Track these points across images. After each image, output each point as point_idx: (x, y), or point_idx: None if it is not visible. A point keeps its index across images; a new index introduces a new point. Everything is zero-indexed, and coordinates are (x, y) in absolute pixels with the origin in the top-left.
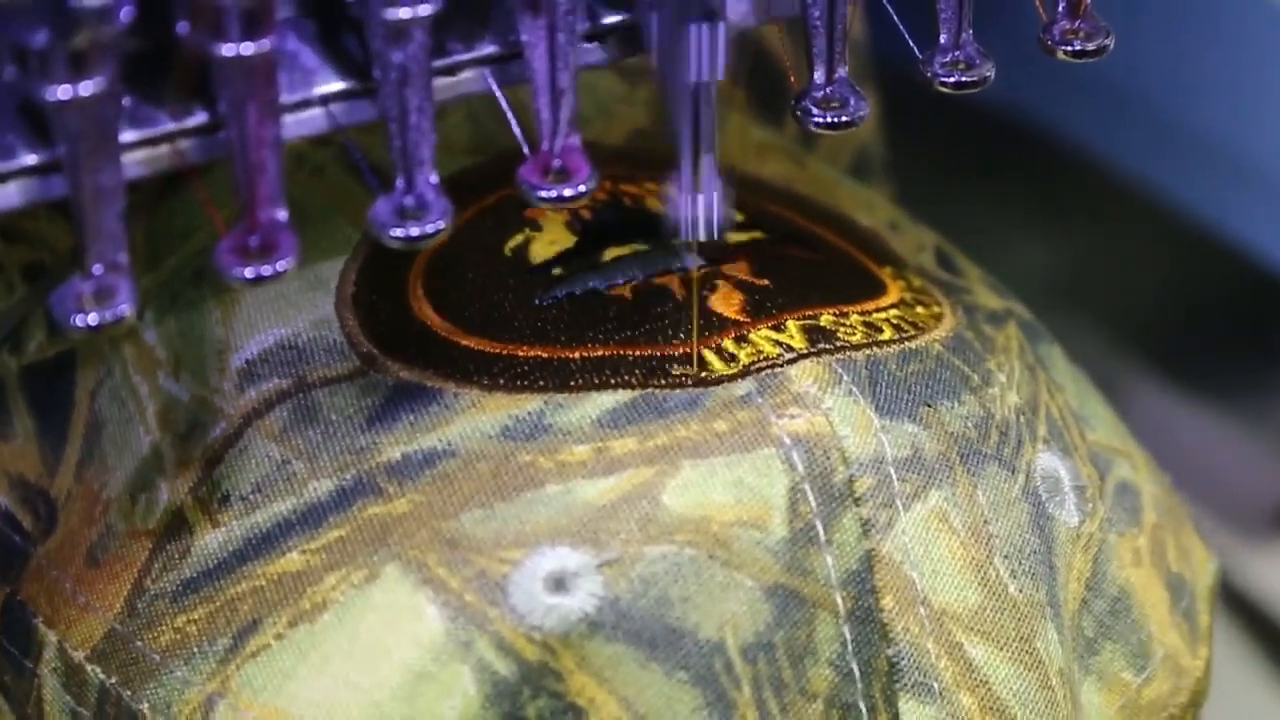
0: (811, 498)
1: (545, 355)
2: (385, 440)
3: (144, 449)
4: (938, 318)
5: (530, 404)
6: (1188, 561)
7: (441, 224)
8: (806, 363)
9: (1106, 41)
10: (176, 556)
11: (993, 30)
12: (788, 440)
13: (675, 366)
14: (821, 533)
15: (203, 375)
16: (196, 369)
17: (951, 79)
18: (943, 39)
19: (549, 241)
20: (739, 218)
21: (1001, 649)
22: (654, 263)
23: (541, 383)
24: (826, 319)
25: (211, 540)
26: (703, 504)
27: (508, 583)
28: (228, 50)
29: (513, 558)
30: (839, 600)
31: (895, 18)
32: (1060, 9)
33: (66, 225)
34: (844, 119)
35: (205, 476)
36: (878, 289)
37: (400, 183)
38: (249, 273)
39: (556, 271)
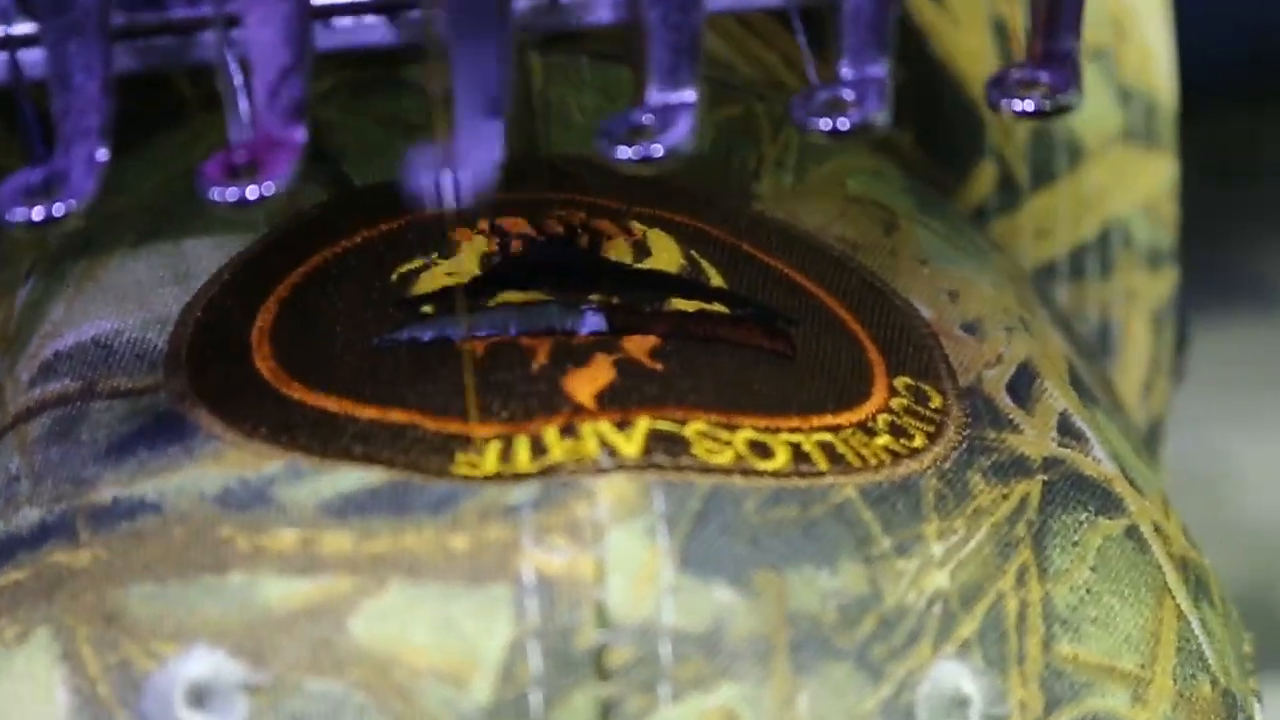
0: (535, 660)
1: (333, 410)
2: (108, 477)
3: None
4: (902, 455)
5: (269, 466)
6: None
7: (71, 204)
8: (619, 476)
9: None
10: None
11: None
12: (529, 580)
13: (468, 450)
14: (537, 707)
15: (17, 360)
16: (19, 351)
17: (825, 123)
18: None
19: (446, 272)
20: (716, 282)
21: None
22: (540, 318)
23: (302, 441)
24: (696, 426)
25: None
26: (395, 640)
27: (145, 682)
28: None
29: (162, 652)
30: None
31: (802, 39)
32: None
33: None
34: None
35: None
36: (847, 401)
37: (56, 154)
38: None
39: (426, 309)
